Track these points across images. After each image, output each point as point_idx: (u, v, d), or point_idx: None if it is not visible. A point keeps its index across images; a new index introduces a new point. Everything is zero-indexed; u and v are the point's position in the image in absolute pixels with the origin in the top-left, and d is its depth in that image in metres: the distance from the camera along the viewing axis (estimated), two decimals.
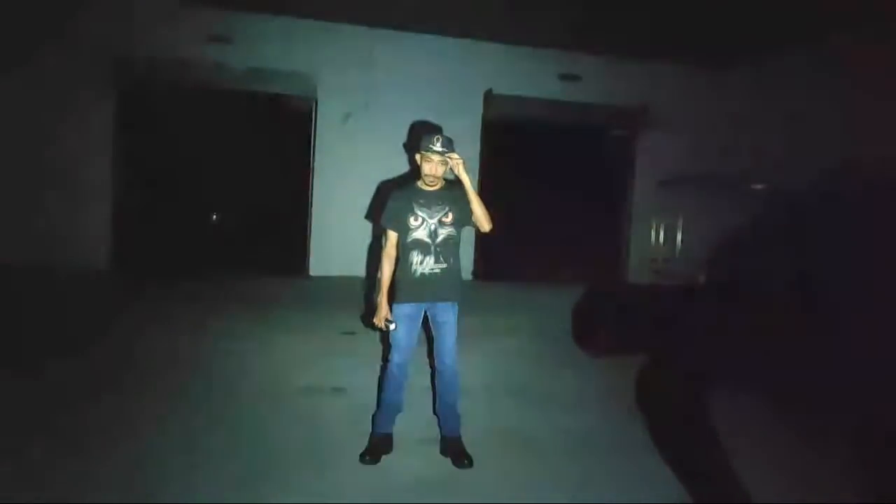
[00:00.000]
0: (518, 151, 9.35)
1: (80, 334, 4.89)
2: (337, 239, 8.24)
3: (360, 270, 8.05)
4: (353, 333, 5.40)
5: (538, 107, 8.85)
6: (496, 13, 7.52)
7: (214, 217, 11.91)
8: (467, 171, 3.08)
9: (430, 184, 3.08)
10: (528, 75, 8.75)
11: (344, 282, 8.01)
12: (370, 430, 3.16)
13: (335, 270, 8.24)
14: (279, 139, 9.79)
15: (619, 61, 8.93)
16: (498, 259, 8.48)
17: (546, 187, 9.73)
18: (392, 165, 7.71)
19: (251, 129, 10.14)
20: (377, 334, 5.38)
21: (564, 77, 8.83)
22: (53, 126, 7.45)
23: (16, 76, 7.34)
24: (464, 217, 3.12)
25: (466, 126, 8.48)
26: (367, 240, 7.74)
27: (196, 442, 3.10)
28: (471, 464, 3.02)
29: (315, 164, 8.34)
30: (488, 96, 8.65)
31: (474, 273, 8.53)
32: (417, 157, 3.10)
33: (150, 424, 3.27)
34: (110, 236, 7.83)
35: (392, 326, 3.07)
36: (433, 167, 3.03)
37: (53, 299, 6.17)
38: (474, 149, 8.58)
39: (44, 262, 7.29)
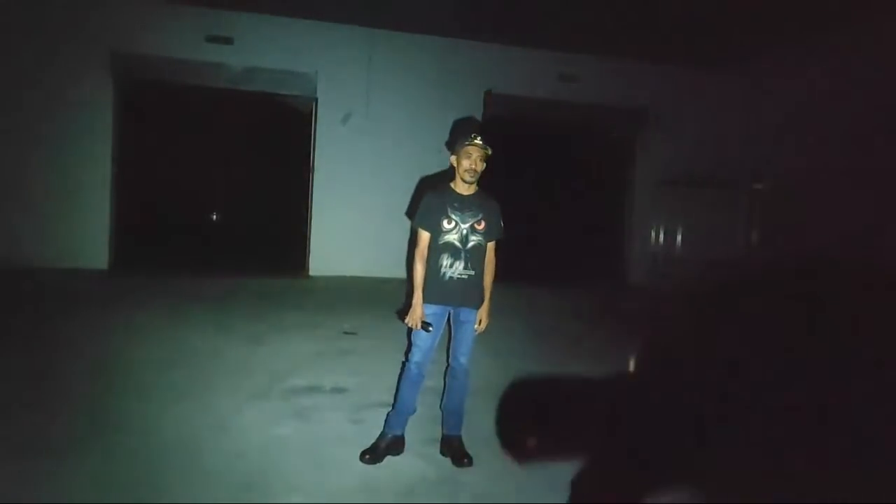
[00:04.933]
0: (518, 152, 9.35)
1: (79, 333, 4.89)
2: (336, 239, 8.24)
3: (358, 270, 8.06)
4: (353, 333, 5.41)
5: (538, 107, 8.85)
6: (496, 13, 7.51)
7: (214, 217, 11.93)
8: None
9: (469, 179, 3.00)
10: (528, 75, 8.75)
11: (343, 282, 8.02)
12: (381, 430, 3.10)
13: (335, 270, 8.24)
14: (279, 139, 9.81)
15: (619, 61, 8.93)
16: (497, 259, 8.47)
17: (546, 187, 9.74)
18: (392, 165, 7.70)
19: (251, 129, 10.17)
20: (377, 334, 5.40)
21: (564, 77, 8.84)
22: (53, 127, 7.45)
23: (18, 77, 7.35)
24: (493, 230, 3.13)
25: (466, 126, 8.48)
26: (366, 240, 7.74)
27: (195, 441, 3.10)
28: (471, 464, 3.01)
29: (315, 164, 8.33)
30: (488, 96, 8.65)
31: None
32: (452, 158, 3.06)
33: (149, 423, 3.27)
34: (110, 236, 7.82)
35: (430, 329, 2.99)
36: (472, 162, 2.97)
37: (52, 299, 6.18)
38: None
39: (43, 263, 7.30)
